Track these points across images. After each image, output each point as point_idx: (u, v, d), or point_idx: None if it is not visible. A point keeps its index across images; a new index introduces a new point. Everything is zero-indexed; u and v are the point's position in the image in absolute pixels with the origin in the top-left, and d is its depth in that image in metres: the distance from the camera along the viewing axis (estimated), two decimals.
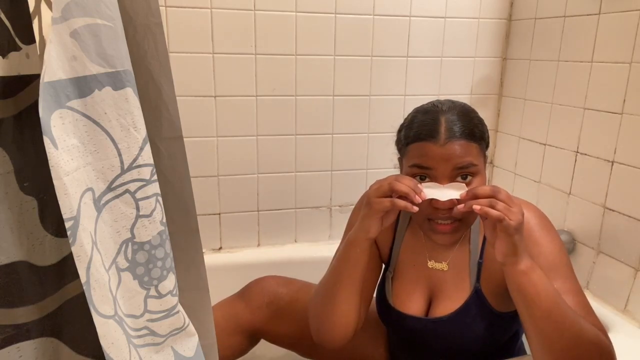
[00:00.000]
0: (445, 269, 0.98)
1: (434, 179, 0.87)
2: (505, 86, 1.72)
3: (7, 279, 0.51)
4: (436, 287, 1.00)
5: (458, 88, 1.67)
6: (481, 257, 0.95)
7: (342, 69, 1.54)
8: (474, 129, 0.88)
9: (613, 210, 1.29)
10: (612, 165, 1.29)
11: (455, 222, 0.88)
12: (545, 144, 1.54)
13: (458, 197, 0.84)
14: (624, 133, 1.26)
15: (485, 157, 0.93)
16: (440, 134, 0.86)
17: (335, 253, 1.02)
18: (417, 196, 0.82)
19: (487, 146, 0.93)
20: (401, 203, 0.82)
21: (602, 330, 0.85)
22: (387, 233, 1.05)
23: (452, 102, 0.94)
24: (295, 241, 1.67)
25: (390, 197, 0.84)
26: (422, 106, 0.95)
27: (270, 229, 1.63)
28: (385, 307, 1.04)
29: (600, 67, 1.32)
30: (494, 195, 0.79)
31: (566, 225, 1.46)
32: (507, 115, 1.72)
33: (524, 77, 1.62)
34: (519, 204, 0.81)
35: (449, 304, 0.96)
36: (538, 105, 1.56)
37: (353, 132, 1.62)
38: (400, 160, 0.97)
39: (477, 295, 0.95)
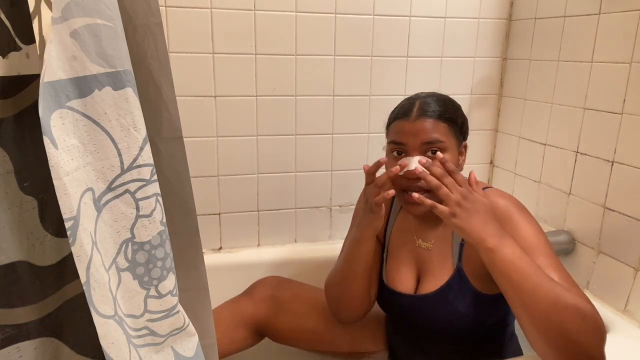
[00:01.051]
0: (430, 247, 1.07)
1: (407, 152, 1.00)
2: (505, 86, 1.72)
3: (7, 279, 0.51)
4: (423, 265, 1.08)
5: (458, 88, 1.66)
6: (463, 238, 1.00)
7: (342, 69, 1.54)
8: (445, 112, 1.01)
9: (613, 210, 1.29)
10: (612, 165, 1.29)
11: (424, 192, 0.96)
12: (545, 144, 1.54)
13: (420, 166, 0.95)
14: (624, 133, 1.26)
15: (458, 140, 1.04)
16: (412, 113, 1.01)
17: (346, 240, 1.15)
18: (391, 170, 0.95)
19: (461, 131, 1.04)
20: (382, 178, 0.96)
21: (586, 299, 0.85)
22: (383, 222, 1.13)
23: (435, 93, 1.08)
24: (295, 241, 1.67)
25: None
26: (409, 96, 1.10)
27: (270, 229, 1.63)
28: (381, 287, 1.13)
29: (600, 67, 1.32)
30: (448, 172, 0.90)
31: (566, 225, 1.46)
32: (507, 115, 1.72)
33: (524, 77, 1.62)
34: (476, 189, 0.90)
35: (433, 282, 1.04)
36: (538, 105, 1.56)
37: (353, 132, 1.62)
38: (386, 137, 1.09)
39: (459, 274, 1.01)
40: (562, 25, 1.45)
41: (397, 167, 0.96)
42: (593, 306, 0.84)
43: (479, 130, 1.74)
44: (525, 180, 1.64)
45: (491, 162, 1.81)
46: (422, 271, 1.08)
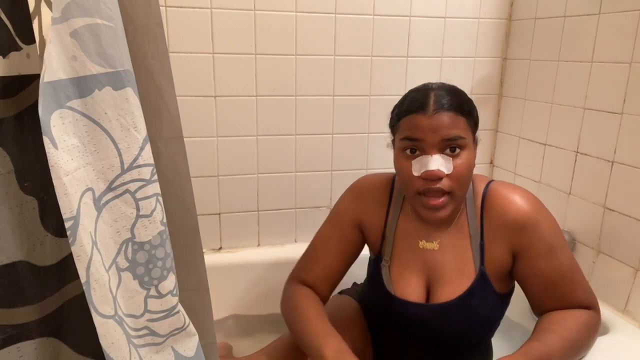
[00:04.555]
0: (435, 249, 1.00)
1: (423, 150, 0.90)
2: (505, 86, 1.72)
3: (7, 279, 0.51)
4: (434, 271, 1.00)
5: None
6: (482, 238, 0.97)
7: (342, 69, 1.54)
8: (462, 104, 0.92)
9: (613, 210, 1.29)
10: (612, 165, 1.29)
11: (444, 195, 0.91)
12: (545, 144, 1.54)
13: (446, 172, 0.89)
14: (624, 133, 1.26)
15: (474, 136, 0.96)
16: (429, 106, 0.90)
17: (319, 238, 1.09)
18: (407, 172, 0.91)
19: (475, 125, 0.96)
20: None
21: (593, 304, 0.98)
22: (377, 225, 1.06)
23: (445, 84, 0.98)
24: (295, 241, 1.67)
25: None
26: (415, 87, 1.00)
27: (270, 229, 1.63)
28: (387, 297, 1.02)
29: (600, 67, 1.32)
30: None
31: (566, 225, 1.46)
32: (507, 115, 1.72)
33: (524, 77, 1.62)
34: None
35: (452, 288, 0.97)
36: (538, 105, 1.56)
37: (353, 132, 1.62)
38: (393, 141, 1.00)
39: (482, 278, 0.96)
40: (562, 25, 1.45)
41: (415, 168, 0.89)
42: (597, 307, 0.98)
43: (478, 130, 1.74)
44: (525, 180, 1.63)
45: (491, 162, 1.81)
46: (432, 277, 1.00)
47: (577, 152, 1.41)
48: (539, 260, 0.95)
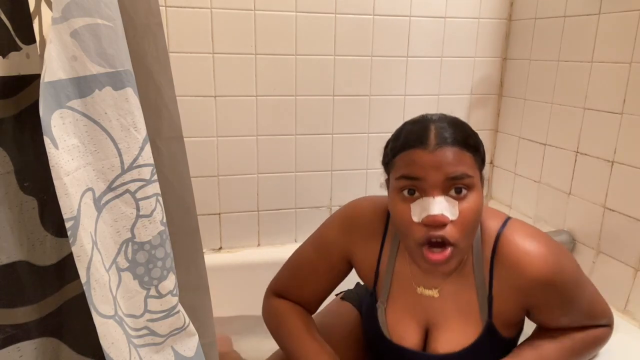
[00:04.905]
0: (435, 296, 0.89)
1: (424, 192, 0.77)
2: (505, 86, 1.72)
3: (7, 279, 0.51)
4: (434, 318, 0.91)
5: (458, 88, 1.66)
6: (490, 292, 0.86)
7: (342, 69, 1.54)
8: (467, 138, 0.80)
9: (613, 210, 1.29)
10: (612, 165, 1.29)
11: (448, 247, 0.77)
12: (545, 144, 1.54)
13: (451, 218, 0.76)
14: (624, 133, 1.26)
15: (481, 175, 0.83)
16: (429, 139, 0.77)
17: (305, 251, 1.01)
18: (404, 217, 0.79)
19: (482, 162, 0.84)
20: None
21: (609, 323, 0.95)
22: (370, 260, 0.96)
23: (446, 115, 0.84)
24: (295, 241, 1.67)
25: None
26: (411, 119, 0.86)
27: (270, 229, 1.63)
28: (380, 340, 0.95)
29: (600, 67, 1.32)
30: None
31: (566, 225, 1.46)
32: (507, 115, 1.72)
33: (524, 77, 1.62)
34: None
35: (454, 339, 0.88)
36: (538, 105, 1.56)
37: (353, 132, 1.62)
38: (387, 181, 0.87)
39: (489, 330, 0.87)
40: (562, 25, 1.45)
41: (413, 213, 0.77)
42: (612, 323, 0.96)
43: (479, 131, 1.71)
44: (525, 180, 1.63)
45: (491, 162, 1.81)
46: (431, 323, 0.91)
47: (577, 152, 1.41)
48: (558, 311, 0.88)
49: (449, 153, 0.76)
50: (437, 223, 0.75)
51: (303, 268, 1.01)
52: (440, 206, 0.75)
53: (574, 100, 1.41)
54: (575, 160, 1.42)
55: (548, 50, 1.50)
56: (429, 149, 0.76)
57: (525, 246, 0.83)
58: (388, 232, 0.94)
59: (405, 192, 0.79)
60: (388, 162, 0.84)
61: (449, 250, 0.77)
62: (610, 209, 1.30)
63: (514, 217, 0.91)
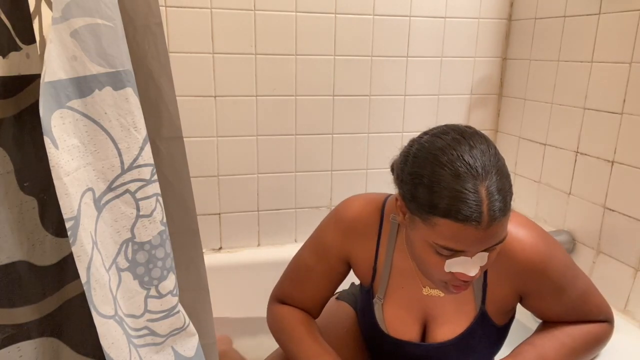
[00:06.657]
0: (441, 295, 0.92)
1: (465, 255, 0.76)
2: (505, 86, 1.72)
3: (7, 279, 0.51)
4: (432, 311, 0.95)
5: (458, 88, 1.66)
6: (485, 278, 0.91)
7: (342, 69, 1.54)
8: (510, 197, 0.75)
9: (613, 210, 1.29)
10: (612, 165, 1.29)
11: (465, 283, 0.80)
12: (545, 144, 1.54)
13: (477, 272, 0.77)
14: (624, 133, 1.26)
15: None
16: (483, 216, 0.70)
17: (303, 257, 1.02)
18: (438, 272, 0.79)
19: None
20: None
21: (608, 318, 0.95)
22: (367, 259, 0.97)
23: (483, 155, 0.73)
24: (295, 241, 1.67)
25: None
26: (448, 160, 0.72)
27: (270, 229, 1.63)
28: (378, 335, 0.97)
29: (600, 67, 1.32)
30: None
31: (566, 225, 1.46)
32: (507, 115, 1.72)
33: (524, 77, 1.62)
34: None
35: (450, 328, 0.92)
36: (538, 105, 1.56)
37: (353, 132, 1.62)
38: (406, 205, 0.79)
39: (482, 317, 0.92)
40: (562, 25, 1.45)
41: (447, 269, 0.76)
42: (612, 320, 0.96)
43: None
44: (525, 180, 1.63)
45: None
46: (429, 316, 0.95)
47: (577, 152, 1.41)
48: (550, 298, 0.91)
49: (499, 227, 0.73)
50: (467, 279, 0.77)
51: (303, 273, 1.02)
52: (477, 267, 0.76)
53: (574, 100, 1.41)
54: (575, 160, 1.42)
55: (548, 50, 1.50)
56: (482, 226, 0.71)
57: (518, 234, 0.86)
58: (383, 229, 0.95)
59: (445, 251, 0.75)
60: (418, 208, 0.75)
61: (470, 283, 0.81)
62: (610, 209, 1.30)
63: None
